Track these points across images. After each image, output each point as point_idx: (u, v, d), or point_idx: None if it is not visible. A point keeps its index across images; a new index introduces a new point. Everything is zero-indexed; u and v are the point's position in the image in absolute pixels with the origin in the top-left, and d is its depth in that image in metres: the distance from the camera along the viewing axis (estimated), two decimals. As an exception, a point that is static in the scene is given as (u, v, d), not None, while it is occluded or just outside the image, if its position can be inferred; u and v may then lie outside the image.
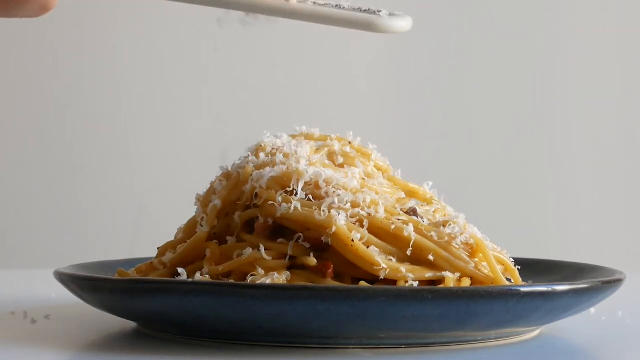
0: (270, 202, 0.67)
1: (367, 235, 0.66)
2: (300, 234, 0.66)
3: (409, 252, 0.66)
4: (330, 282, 0.65)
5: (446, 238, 0.67)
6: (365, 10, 0.65)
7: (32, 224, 1.54)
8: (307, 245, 0.66)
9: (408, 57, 1.58)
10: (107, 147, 1.55)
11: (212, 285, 0.60)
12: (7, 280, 1.08)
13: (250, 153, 0.73)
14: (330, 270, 0.65)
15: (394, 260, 0.66)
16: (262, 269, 0.65)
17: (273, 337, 0.62)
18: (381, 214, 0.67)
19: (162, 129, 1.55)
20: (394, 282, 0.65)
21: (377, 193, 0.69)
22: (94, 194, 1.54)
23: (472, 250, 0.67)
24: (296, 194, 0.67)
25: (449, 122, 1.59)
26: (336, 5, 0.66)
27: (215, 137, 1.53)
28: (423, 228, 0.67)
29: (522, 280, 0.72)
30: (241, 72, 1.55)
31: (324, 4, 0.65)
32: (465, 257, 0.67)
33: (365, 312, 0.58)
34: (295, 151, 0.71)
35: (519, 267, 0.72)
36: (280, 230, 0.67)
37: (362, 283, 0.65)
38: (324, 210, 0.66)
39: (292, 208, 0.66)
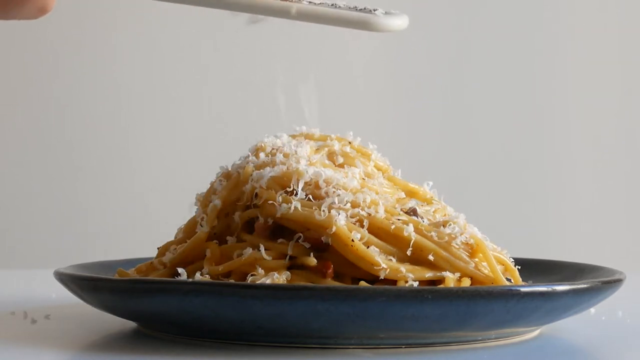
0: (270, 202, 0.67)
1: (367, 235, 0.66)
2: (300, 234, 0.66)
3: (409, 252, 0.66)
4: (330, 282, 0.65)
5: (446, 238, 0.67)
6: (361, 9, 0.65)
7: (32, 224, 1.54)
8: (307, 245, 0.66)
9: (408, 57, 1.58)
10: (107, 147, 1.55)
11: (212, 285, 0.60)
12: (7, 280, 1.08)
13: (250, 153, 0.73)
14: (330, 270, 0.65)
15: (394, 260, 0.65)
16: (262, 269, 0.65)
17: (273, 337, 0.62)
18: (381, 214, 0.67)
19: (162, 129, 1.55)
20: (394, 282, 0.65)
21: (377, 193, 0.69)
22: (94, 194, 1.54)
23: (472, 250, 0.67)
24: (296, 194, 0.67)
25: (449, 122, 1.59)
26: (332, 5, 0.66)
27: (215, 137, 1.53)
28: (423, 228, 0.67)
29: (522, 280, 0.72)
30: (241, 72, 1.55)
31: (320, 3, 0.65)
32: (465, 257, 0.67)
33: (365, 312, 0.58)
34: (295, 151, 0.71)
35: (519, 267, 0.72)
36: (280, 230, 0.67)
37: (362, 283, 0.65)
38: (324, 210, 0.66)
39: (292, 208, 0.66)
